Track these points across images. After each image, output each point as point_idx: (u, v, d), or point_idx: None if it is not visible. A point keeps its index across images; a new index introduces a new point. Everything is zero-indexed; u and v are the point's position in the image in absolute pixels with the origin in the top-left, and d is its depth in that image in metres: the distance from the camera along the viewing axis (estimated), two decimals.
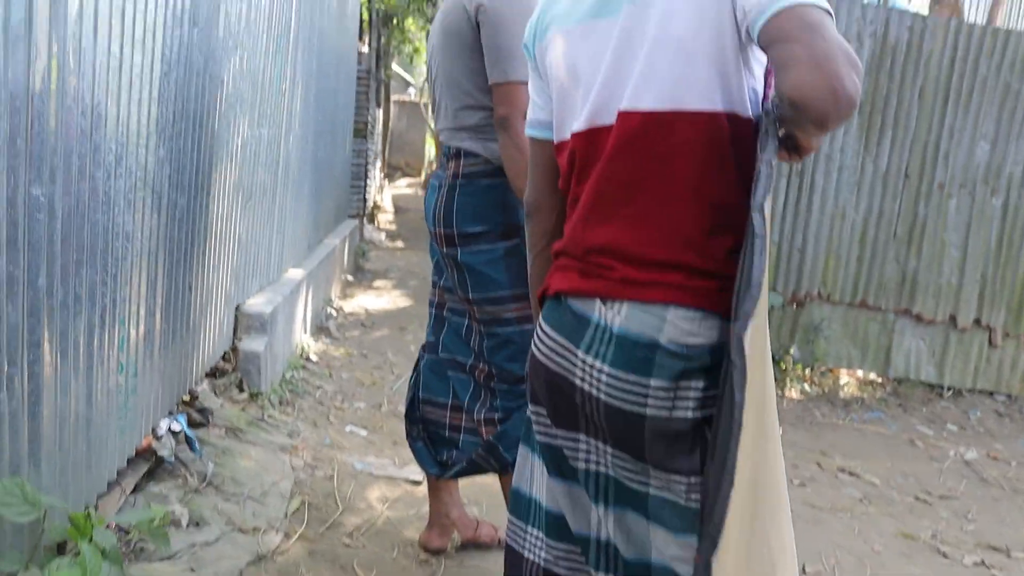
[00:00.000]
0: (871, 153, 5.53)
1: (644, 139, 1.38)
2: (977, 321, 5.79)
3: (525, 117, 1.71)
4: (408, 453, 3.55)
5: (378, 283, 7.89)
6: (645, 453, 1.42)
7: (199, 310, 3.28)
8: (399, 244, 10.62)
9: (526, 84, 1.73)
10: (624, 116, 1.40)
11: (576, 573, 1.60)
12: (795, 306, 5.52)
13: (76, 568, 1.79)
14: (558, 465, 1.57)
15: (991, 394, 5.84)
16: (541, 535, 1.63)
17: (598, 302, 1.43)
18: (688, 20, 1.35)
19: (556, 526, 1.60)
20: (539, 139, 1.63)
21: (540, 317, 1.57)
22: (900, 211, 5.61)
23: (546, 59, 1.55)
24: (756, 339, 1.20)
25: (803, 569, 3.06)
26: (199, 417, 3.30)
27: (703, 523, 1.21)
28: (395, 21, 11.99)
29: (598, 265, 1.44)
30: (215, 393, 3.65)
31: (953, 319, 5.75)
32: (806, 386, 5.46)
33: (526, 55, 1.64)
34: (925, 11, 8.43)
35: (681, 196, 1.37)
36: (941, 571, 3.26)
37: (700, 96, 1.35)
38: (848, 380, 5.74)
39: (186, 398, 3.33)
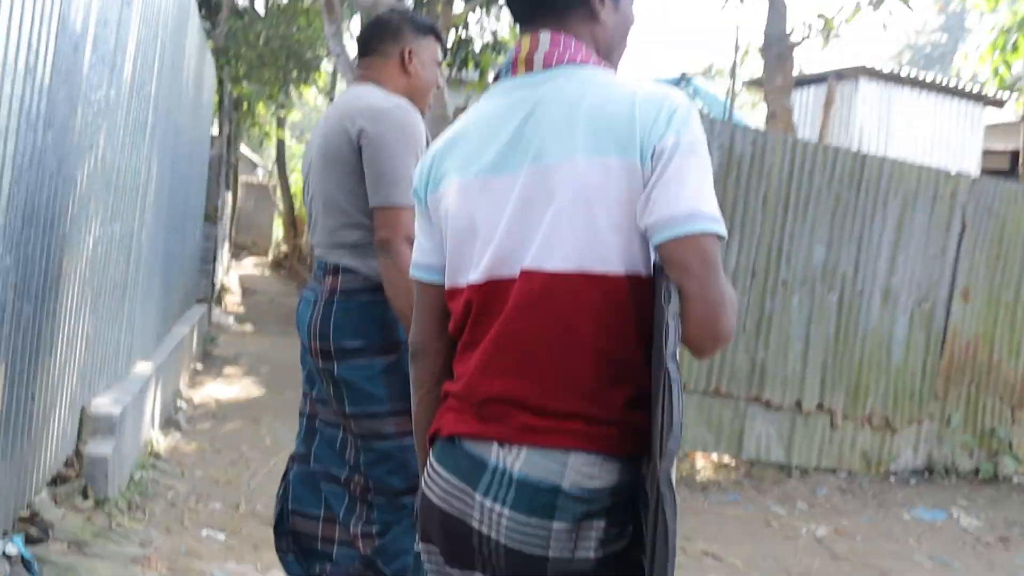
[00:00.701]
0: (721, 252, 5.81)
1: (547, 299, 1.40)
2: (820, 405, 6.11)
3: (408, 241, 1.69)
4: (269, 557, 3.40)
5: (228, 370, 7.62)
6: None
7: (42, 417, 3.07)
8: (248, 328, 10.31)
9: (408, 208, 1.71)
10: (527, 275, 1.41)
11: None
12: None
13: None
14: None
15: (834, 471, 6.14)
16: None
17: (495, 445, 1.42)
18: (597, 191, 1.38)
19: None
20: (427, 282, 1.60)
21: (431, 458, 1.52)
22: (749, 306, 5.91)
23: (439, 207, 1.54)
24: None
25: None
26: (38, 533, 3.05)
27: None
28: (246, 106, 11.87)
29: (495, 411, 1.43)
30: (56, 503, 3.39)
31: (799, 404, 6.05)
32: None
33: (415, 199, 1.61)
34: (762, 126, 9.04)
35: (582, 353, 1.39)
36: None
37: (603, 260, 1.38)
38: (704, 463, 5.91)
39: (24, 513, 3.07)
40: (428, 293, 1.60)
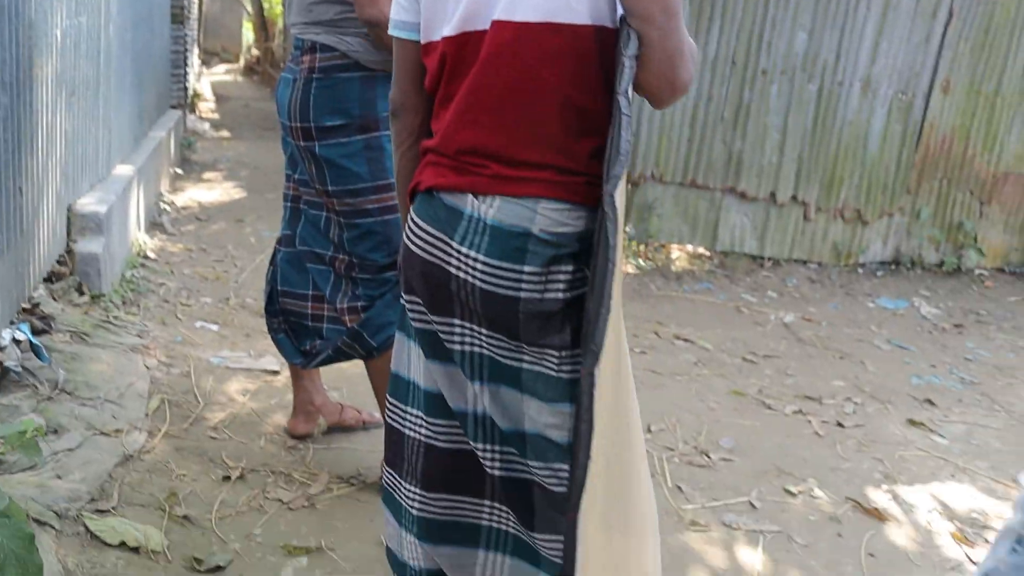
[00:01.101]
0: (701, 40, 5.73)
1: (517, 49, 1.44)
2: (794, 197, 6.22)
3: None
4: (262, 344, 3.58)
5: (208, 175, 7.61)
6: (519, 332, 1.53)
7: (31, 213, 3.12)
8: (225, 134, 10.20)
9: None
10: (498, 26, 1.45)
11: (456, 445, 1.70)
12: (630, 186, 5.75)
13: None
14: (434, 348, 1.66)
15: (805, 263, 6.34)
16: (421, 414, 1.72)
17: (471, 196, 1.51)
18: None
19: (435, 404, 1.70)
20: (404, 39, 1.63)
21: (412, 211, 1.62)
22: (727, 96, 5.89)
23: None
24: (619, 204, 1.35)
25: (648, 428, 3.32)
26: (41, 324, 3.18)
27: (584, 343, 1.36)
28: None
29: (470, 163, 1.51)
30: (54, 298, 3.51)
31: (773, 196, 6.15)
32: (641, 261, 5.75)
33: None
34: None
35: (550, 103, 1.45)
36: (766, 421, 3.62)
37: (570, 11, 1.42)
38: (679, 254, 6.08)
39: (25, 306, 3.19)
40: (406, 49, 1.64)
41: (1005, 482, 3.38)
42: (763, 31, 5.86)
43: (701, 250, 6.15)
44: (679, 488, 2.96)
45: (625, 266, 5.61)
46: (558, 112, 1.46)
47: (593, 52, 1.44)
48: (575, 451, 1.36)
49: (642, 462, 1.70)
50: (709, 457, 3.20)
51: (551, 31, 1.43)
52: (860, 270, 6.52)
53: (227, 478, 2.65)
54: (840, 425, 3.68)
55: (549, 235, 1.46)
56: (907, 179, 6.66)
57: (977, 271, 7.00)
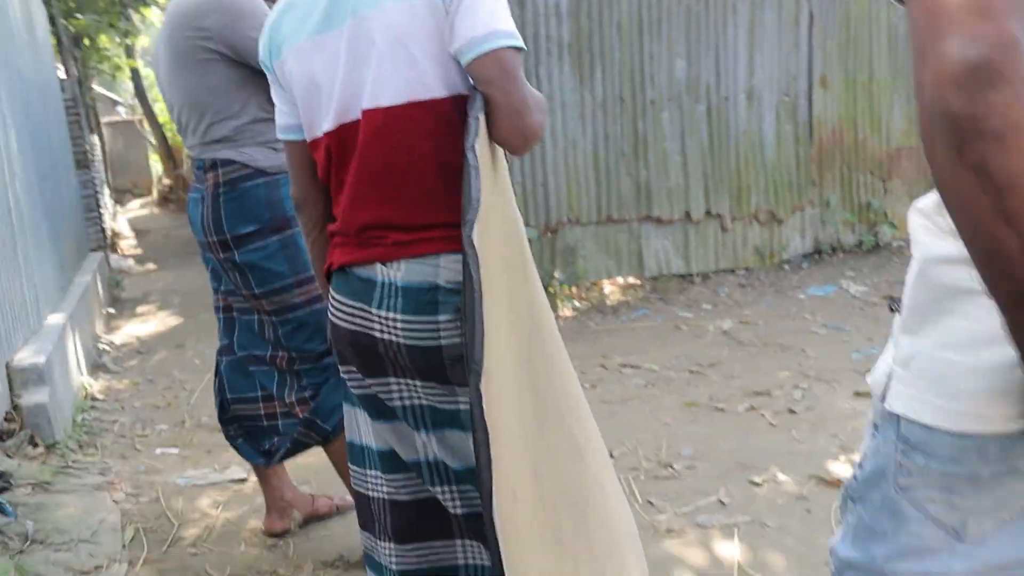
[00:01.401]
0: (587, 86, 6.00)
1: (388, 130, 1.62)
2: (707, 212, 6.47)
3: None
4: (225, 456, 3.62)
5: (141, 309, 7.62)
6: (449, 376, 1.67)
7: None
8: (150, 267, 10.22)
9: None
10: (368, 114, 1.63)
11: (417, 495, 1.81)
12: (550, 234, 5.93)
13: None
14: (378, 409, 1.79)
15: (732, 271, 6.57)
16: (379, 473, 1.84)
17: (379, 265, 1.67)
18: (407, 29, 1.58)
19: (389, 461, 1.82)
20: (292, 141, 1.81)
21: (331, 290, 1.77)
22: (623, 131, 6.15)
23: (285, 72, 1.73)
24: (488, 239, 1.50)
25: (610, 454, 3.42)
26: (0, 482, 3.19)
27: (466, 365, 1.47)
28: (88, 41, 11.34)
29: (373, 237, 1.67)
30: (8, 455, 3.51)
31: (688, 215, 6.40)
32: (576, 303, 5.91)
33: (264, 69, 1.80)
34: None
35: (427, 170, 1.63)
36: (721, 423, 3.76)
37: (427, 88, 1.60)
38: (612, 288, 6.26)
39: None
40: (296, 150, 1.81)
41: None
42: (643, 65, 6.16)
43: (632, 280, 6.34)
44: (650, 503, 3.06)
45: (563, 311, 5.77)
46: (437, 176, 1.63)
47: (455, 117, 1.61)
48: (477, 458, 1.47)
49: (601, 490, 1.82)
50: (673, 468, 3.32)
51: (414, 108, 1.60)
52: (786, 266, 6.77)
53: None
54: (792, 412, 3.83)
55: (454, 284, 1.62)
56: (809, 173, 6.97)
57: (894, 243, 7.31)
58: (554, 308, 5.73)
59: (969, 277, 0.89)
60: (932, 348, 1.02)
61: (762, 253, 6.75)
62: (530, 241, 5.74)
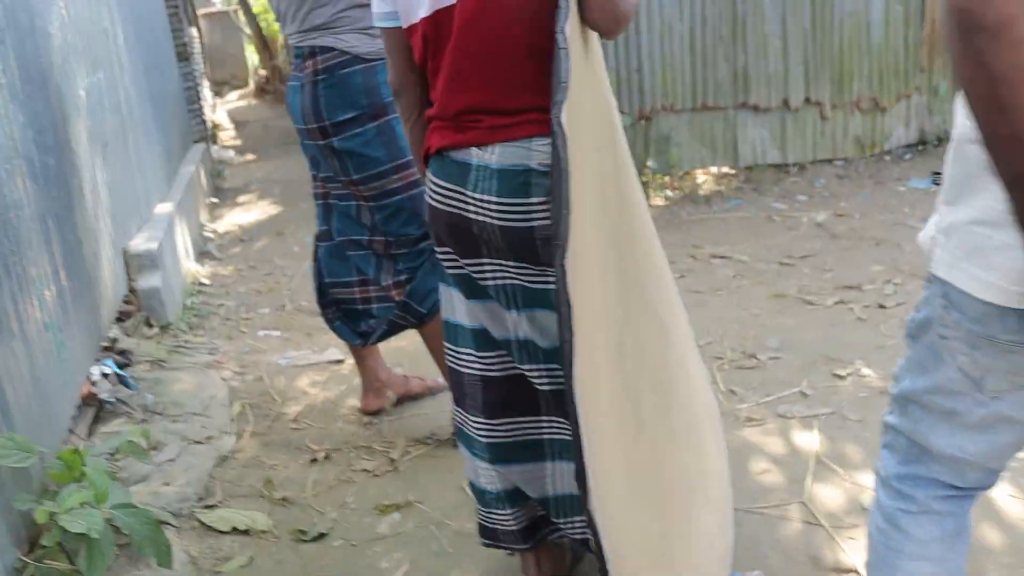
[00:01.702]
0: None
1: (484, 15, 1.65)
2: (807, 99, 6.25)
3: None
4: (324, 339, 3.80)
5: (242, 198, 7.87)
6: (540, 257, 1.72)
7: (93, 260, 3.37)
8: (250, 157, 10.47)
9: None
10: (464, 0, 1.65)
11: (507, 371, 1.91)
12: (644, 122, 5.85)
13: (87, 491, 1.99)
14: (471, 289, 1.87)
15: (830, 161, 6.39)
16: (472, 350, 1.93)
17: (474, 149, 1.72)
18: None
19: (481, 339, 1.91)
20: (389, 27, 1.85)
21: (428, 173, 1.84)
22: (721, 14, 5.93)
23: None
24: (576, 120, 1.53)
25: (697, 343, 3.46)
26: (122, 359, 3.43)
27: (553, 240, 1.53)
28: None
29: (468, 121, 1.72)
30: (127, 335, 3.76)
31: (786, 102, 6.20)
32: (668, 192, 5.87)
33: None
34: None
35: (522, 54, 1.65)
36: (808, 316, 3.75)
37: None
38: (705, 178, 6.18)
39: (105, 344, 3.45)
40: (393, 36, 1.86)
41: None
42: None
43: (725, 169, 6.23)
44: (732, 391, 3.11)
45: (654, 199, 5.74)
46: (530, 61, 1.65)
47: (548, 1, 1.60)
48: (560, 330, 1.54)
49: (684, 370, 1.88)
50: (758, 358, 3.35)
51: None
52: (887, 157, 6.54)
53: (314, 460, 2.87)
54: (882, 307, 3.79)
55: (547, 167, 1.65)
56: (918, 58, 6.64)
57: None
58: (646, 197, 5.70)
59: None
60: (968, 222, 1.20)
61: (863, 143, 6.52)
62: (624, 128, 5.67)
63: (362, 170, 2.70)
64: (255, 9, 15.71)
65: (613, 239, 1.70)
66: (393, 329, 2.91)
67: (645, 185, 5.76)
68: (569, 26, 1.53)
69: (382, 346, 3.13)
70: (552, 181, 1.52)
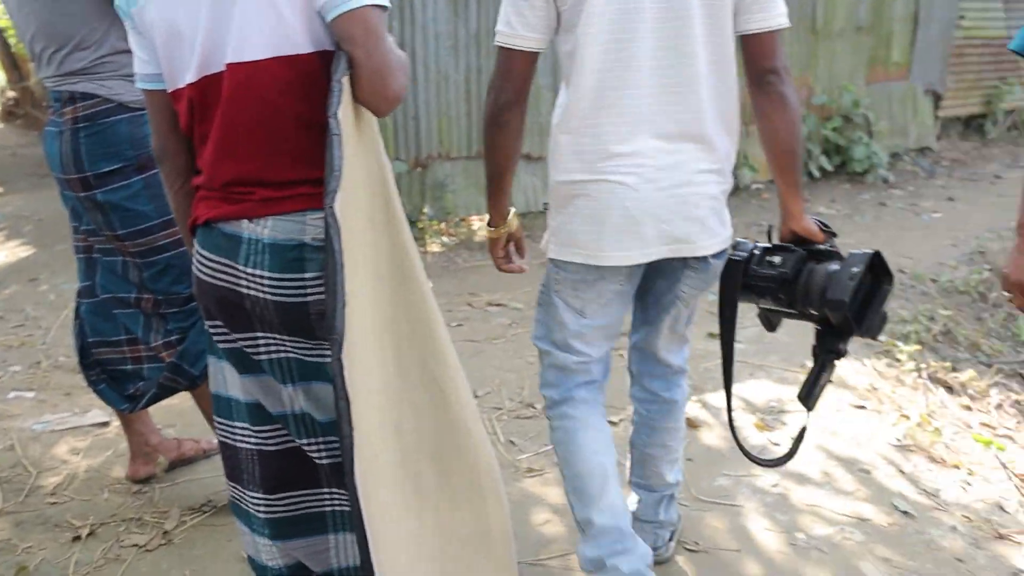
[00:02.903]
0: (461, 18, 5.94)
1: (252, 85, 1.61)
2: None
3: None
4: (85, 399, 3.55)
5: None
6: (315, 332, 1.71)
7: None
8: None
9: None
10: (233, 68, 1.61)
11: (284, 445, 1.87)
12: (420, 169, 5.93)
13: None
14: (244, 363, 1.82)
15: None
16: (246, 425, 1.88)
17: (245, 222, 1.68)
18: None
19: (256, 414, 1.86)
20: (153, 90, 1.78)
21: (196, 244, 1.77)
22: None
23: (144, 20, 1.69)
24: (351, 207, 1.54)
25: (474, 394, 3.54)
26: None
27: (328, 334, 1.53)
28: None
29: (238, 193, 1.68)
30: None
31: None
32: (445, 238, 5.96)
33: (121, 15, 1.74)
34: None
35: (293, 127, 1.64)
36: None
37: (292, 43, 1.60)
38: (480, 225, 6.33)
39: None
40: (156, 99, 1.79)
41: (794, 370, 3.82)
42: None
43: None
44: (512, 442, 3.20)
45: (431, 246, 5.81)
46: (302, 134, 1.64)
47: (320, 74, 1.62)
48: (339, 425, 1.53)
49: (465, 431, 1.91)
50: (535, 408, 3.46)
51: (279, 64, 1.60)
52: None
53: (77, 538, 2.66)
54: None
55: (321, 242, 1.64)
56: None
57: (753, 186, 7.63)
58: (422, 244, 5.77)
59: None
60: (559, 224, 2.19)
61: None
62: (399, 176, 5.74)
63: (127, 225, 2.56)
64: (1, 23, 14.53)
65: (391, 316, 1.72)
66: (163, 392, 2.77)
67: (421, 232, 5.83)
68: (342, 110, 1.54)
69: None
70: (326, 272, 1.51)
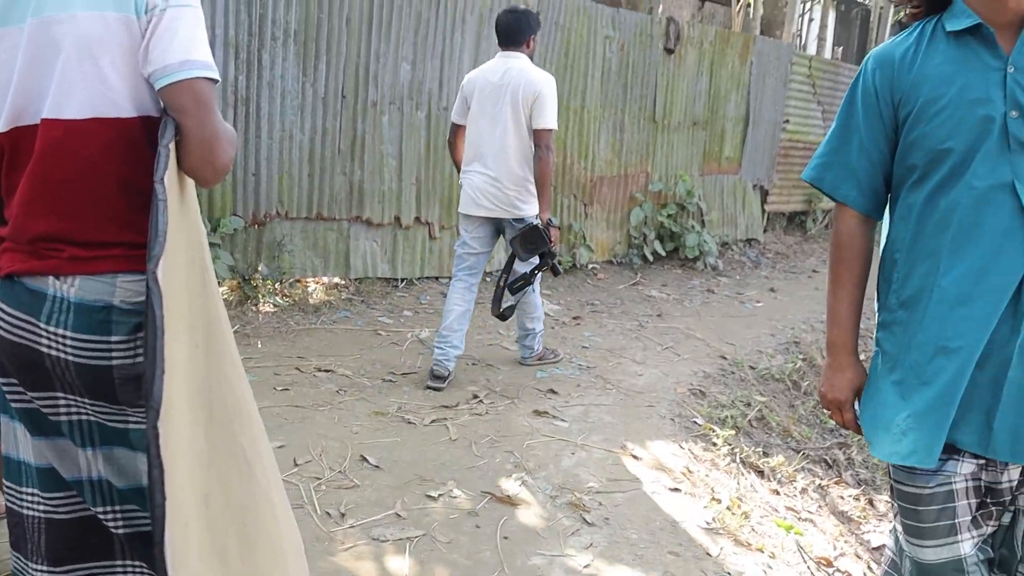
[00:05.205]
0: (310, 78, 5.89)
1: (70, 144, 1.55)
2: (417, 219, 6.59)
3: None
4: None
5: None
6: (119, 397, 1.63)
7: None
8: None
9: None
10: (48, 124, 1.54)
11: (77, 514, 1.74)
12: (257, 227, 5.78)
13: None
14: (39, 425, 1.70)
15: (436, 279, 6.75)
16: (36, 491, 1.74)
17: (51, 278, 1.59)
18: (99, 43, 1.52)
19: (48, 479, 1.73)
20: None
21: None
22: (341, 128, 6.10)
23: None
24: (172, 273, 1.50)
25: (294, 462, 3.43)
26: None
27: (145, 401, 1.47)
28: None
29: (46, 249, 1.59)
30: None
31: (398, 219, 6.47)
32: (278, 299, 5.81)
33: None
34: None
35: (111, 187, 1.58)
36: (407, 434, 3.87)
37: (115, 106, 1.55)
38: (316, 287, 6.22)
39: None
40: None
41: (615, 450, 3.90)
42: (369, 64, 6.15)
43: (336, 280, 6.33)
44: (328, 514, 3.10)
45: (263, 306, 5.65)
46: (120, 195, 1.58)
47: (143, 139, 1.57)
48: (151, 494, 1.47)
49: (269, 505, 1.84)
50: (355, 479, 3.38)
51: (100, 125, 1.55)
52: (487, 279, 7.04)
53: None
54: (473, 427, 4.02)
55: (130, 305, 1.57)
56: None
57: (590, 266, 7.86)
58: (255, 303, 5.60)
59: None
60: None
61: None
62: (235, 231, 5.58)
63: None
64: None
65: (204, 386, 1.66)
66: None
67: (255, 290, 5.67)
68: (168, 175, 1.49)
69: None
70: (146, 338, 1.45)
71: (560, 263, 5.08)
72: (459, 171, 4.78)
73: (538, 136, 4.47)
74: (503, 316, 4.74)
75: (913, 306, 1.82)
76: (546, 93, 4.45)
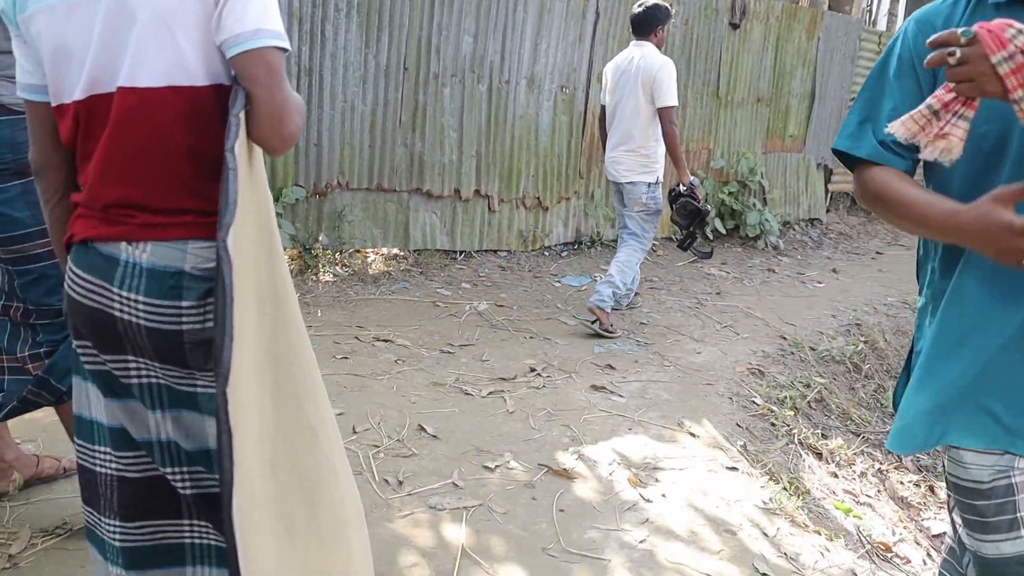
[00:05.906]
0: (372, 49, 5.93)
1: (144, 112, 1.58)
2: (477, 191, 6.61)
3: None
4: None
5: None
6: (188, 361, 1.67)
7: None
8: None
9: None
10: (123, 92, 1.57)
11: (147, 473, 1.79)
12: (318, 197, 5.85)
13: None
14: (111, 387, 1.75)
15: (495, 252, 6.77)
16: (108, 450, 1.79)
17: (124, 244, 1.63)
18: (173, 13, 1.55)
19: (120, 439, 1.78)
20: (35, 101, 1.71)
21: (70, 262, 1.70)
22: (403, 100, 6.13)
23: (31, 30, 1.63)
24: (242, 241, 1.53)
25: (353, 430, 3.49)
26: None
27: (214, 368, 1.50)
28: None
29: (118, 215, 1.63)
30: None
31: (458, 192, 6.51)
32: (338, 269, 5.89)
33: (7, 21, 1.68)
34: None
35: (182, 156, 1.61)
36: (464, 406, 3.91)
37: (188, 74, 1.57)
38: (375, 258, 6.28)
39: None
40: (38, 111, 1.72)
41: (672, 427, 3.90)
42: (431, 37, 6.16)
43: (395, 251, 6.38)
44: (386, 481, 3.15)
45: (323, 276, 5.73)
46: (190, 163, 1.61)
47: (214, 107, 1.60)
48: (220, 460, 1.50)
49: (332, 472, 1.87)
50: (413, 448, 3.42)
51: (173, 94, 1.57)
52: (546, 253, 7.06)
53: None
54: (531, 400, 4.04)
55: (200, 271, 1.61)
56: (578, 165, 7.29)
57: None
58: (315, 273, 5.68)
59: None
60: None
61: (525, 237, 6.99)
62: (296, 201, 5.66)
63: (1, 231, 2.44)
64: None
65: (271, 351, 1.69)
66: (25, 406, 2.61)
67: (315, 260, 5.74)
68: (238, 145, 1.52)
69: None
70: (216, 305, 1.49)
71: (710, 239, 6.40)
72: (603, 147, 5.53)
73: (661, 114, 5.16)
74: (687, 248, 5.75)
75: (954, 289, 1.75)
76: (662, 77, 5.13)
